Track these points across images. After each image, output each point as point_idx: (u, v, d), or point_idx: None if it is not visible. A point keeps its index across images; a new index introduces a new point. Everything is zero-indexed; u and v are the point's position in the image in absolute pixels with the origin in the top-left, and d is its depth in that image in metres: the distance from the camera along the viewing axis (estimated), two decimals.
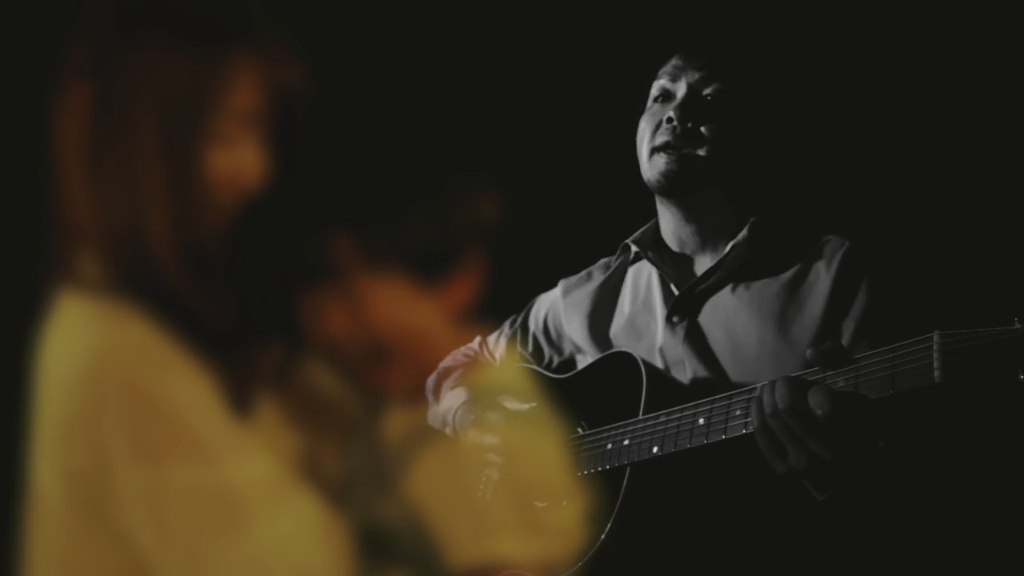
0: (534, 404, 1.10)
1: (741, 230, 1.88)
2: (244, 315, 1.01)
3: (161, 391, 0.95)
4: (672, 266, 1.95)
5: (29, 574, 1.02)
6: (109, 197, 1.00)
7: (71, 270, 1.01)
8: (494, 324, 2.24)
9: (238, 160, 1.02)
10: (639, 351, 1.86)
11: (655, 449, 1.71)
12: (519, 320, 2.19)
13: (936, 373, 1.37)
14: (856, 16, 2.29)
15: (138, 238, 0.99)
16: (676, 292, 1.90)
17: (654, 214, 2.03)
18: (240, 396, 0.99)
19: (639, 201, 2.02)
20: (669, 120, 1.88)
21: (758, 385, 1.61)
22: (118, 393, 0.94)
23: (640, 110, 1.99)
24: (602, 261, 2.14)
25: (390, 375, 1.03)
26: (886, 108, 2.29)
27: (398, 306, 1.01)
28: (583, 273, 2.14)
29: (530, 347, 2.15)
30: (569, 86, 2.53)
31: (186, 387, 0.96)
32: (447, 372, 2.05)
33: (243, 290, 1.01)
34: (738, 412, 1.62)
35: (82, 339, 0.97)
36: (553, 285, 2.19)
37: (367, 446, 1.06)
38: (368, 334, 1.01)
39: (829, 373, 1.53)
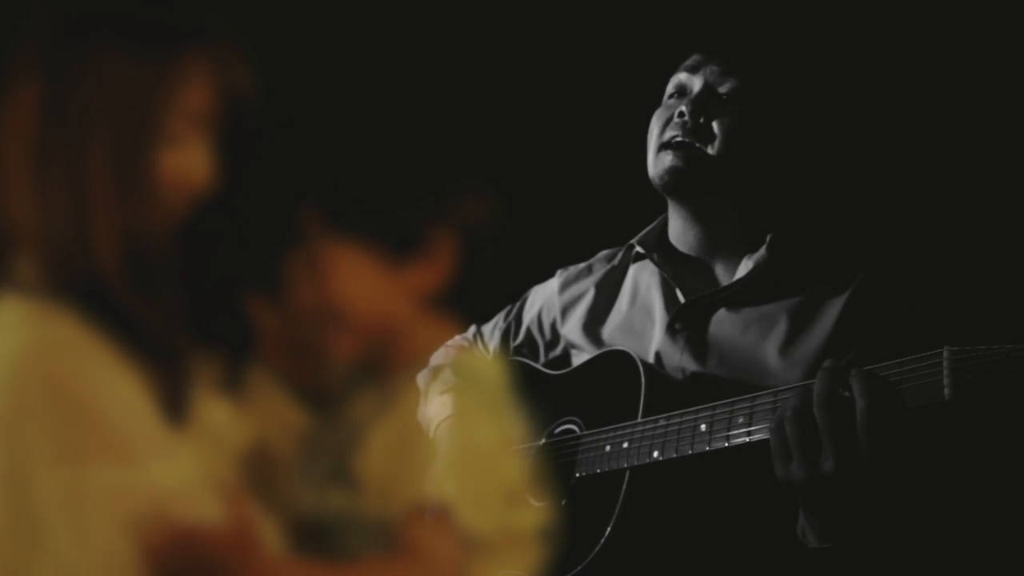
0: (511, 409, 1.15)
1: (753, 242, 1.84)
2: (188, 320, 1.01)
3: (85, 392, 0.94)
4: (679, 270, 1.91)
5: None
6: (54, 200, 0.98)
7: (6, 271, 0.99)
8: (475, 316, 2.21)
9: (187, 162, 1.01)
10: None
11: (655, 454, 1.68)
12: (513, 312, 2.16)
13: (946, 391, 1.34)
14: (882, 33, 2.23)
15: (82, 242, 0.97)
16: (682, 299, 1.86)
17: (661, 208, 1.99)
18: (176, 401, 0.98)
19: (645, 194, 1.97)
20: (680, 115, 1.82)
21: (762, 393, 1.59)
22: (40, 393, 0.93)
23: (655, 107, 1.94)
24: (603, 253, 2.10)
25: (341, 343, 1.06)
26: (905, 128, 2.24)
27: (360, 278, 1.04)
28: (583, 265, 2.10)
29: (523, 340, 2.12)
30: (579, 79, 2.48)
31: (113, 389, 0.95)
32: (438, 371, 2.02)
33: (190, 294, 1.01)
34: (740, 419, 1.59)
35: (10, 340, 0.96)
36: (551, 275, 2.16)
37: (326, 435, 1.08)
38: (327, 300, 1.04)
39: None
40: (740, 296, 1.81)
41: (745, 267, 1.83)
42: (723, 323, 1.81)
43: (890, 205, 2.23)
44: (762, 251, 1.81)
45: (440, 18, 2.45)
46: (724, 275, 1.88)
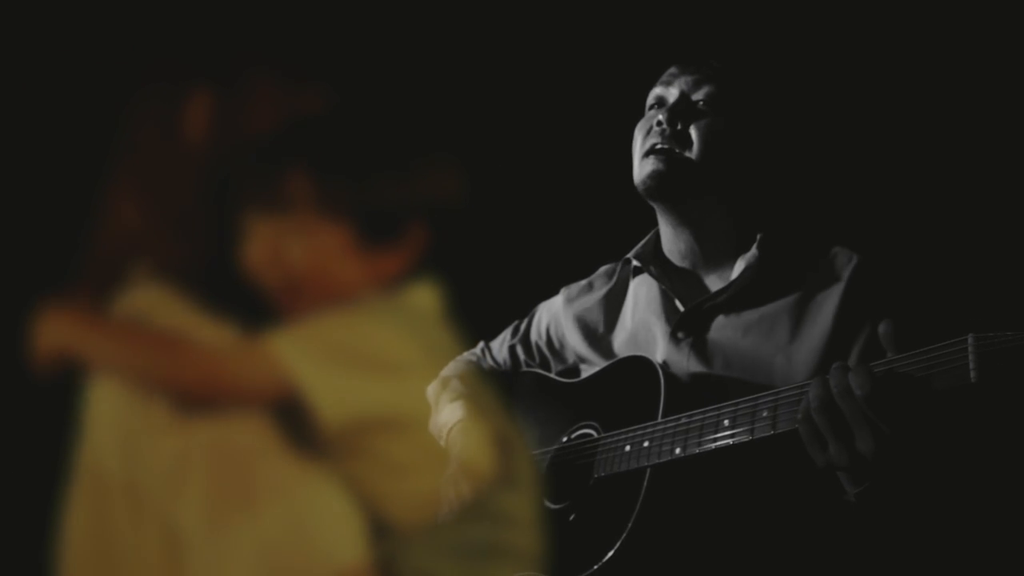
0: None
1: (744, 244, 1.89)
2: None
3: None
4: (675, 281, 1.96)
5: (64, 548, 1.01)
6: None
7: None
8: (481, 333, 2.24)
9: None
10: None
11: (677, 450, 1.71)
12: (521, 330, 2.20)
13: (972, 374, 1.40)
14: (858, 28, 2.31)
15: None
16: (681, 308, 1.91)
17: (655, 220, 2.05)
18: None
19: (641, 206, 2.03)
20: (659, 123, 1.90)
21: (785, 387, 1.63)
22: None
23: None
24: (603, 269, 2.16)
25: (294, 306, 1.04)
26: (887, 119, 2.32)
27: (329, 252, 1.03)
28: (584, 283, 2.15)
29: (536, 359, 2.16)
30: (575, 93, 2.54)
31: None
32: (447, 381, 2.05)
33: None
34: (765, 413, 1.63)
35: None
36: (554, 288, 2.20)
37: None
38: (290, 267, 1.03)
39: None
40: (738, 299, 1.86)
41: (738, 269, 1.88)
42: (724, 328, 1.86)
43: (874, 193, 2.29)
44: (753, 251, 1.87)
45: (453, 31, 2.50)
46: (719, 282, 1.93)
